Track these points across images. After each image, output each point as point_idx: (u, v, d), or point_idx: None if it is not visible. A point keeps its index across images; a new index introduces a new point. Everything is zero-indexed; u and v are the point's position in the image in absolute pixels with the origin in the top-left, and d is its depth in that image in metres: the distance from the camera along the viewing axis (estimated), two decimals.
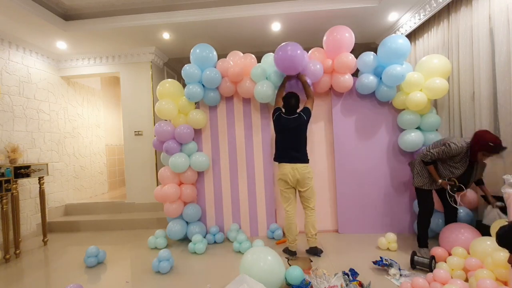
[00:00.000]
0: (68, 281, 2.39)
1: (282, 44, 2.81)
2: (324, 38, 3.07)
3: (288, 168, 2.60)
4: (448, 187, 2.40)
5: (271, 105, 3.34)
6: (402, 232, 3.16)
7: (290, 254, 2.70)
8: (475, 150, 2.22)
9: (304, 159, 2.65)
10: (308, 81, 2.90)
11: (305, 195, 2.66)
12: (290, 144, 2.64)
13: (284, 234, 3.27)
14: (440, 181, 2.43)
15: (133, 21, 3.52)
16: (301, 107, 2.75)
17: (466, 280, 1.99)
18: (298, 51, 2.72)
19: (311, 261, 2.50)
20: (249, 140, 3.37)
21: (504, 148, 2.13)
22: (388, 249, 2.75)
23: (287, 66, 2.80)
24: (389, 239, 2.75)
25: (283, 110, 2.73)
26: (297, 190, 2.72)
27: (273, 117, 2.76)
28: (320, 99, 3.35)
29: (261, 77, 3.05)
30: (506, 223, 1.77)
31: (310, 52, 3.14)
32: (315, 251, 2.66)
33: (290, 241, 2.70)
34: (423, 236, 2.63)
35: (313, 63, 2.96)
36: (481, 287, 1.70)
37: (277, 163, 2.74)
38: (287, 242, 2.74)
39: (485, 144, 2.14)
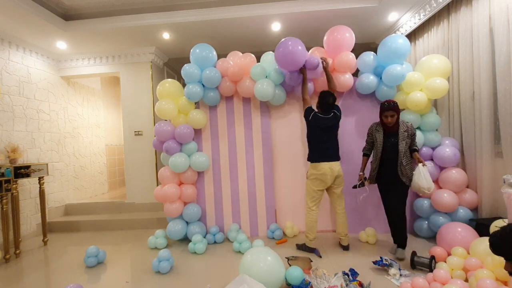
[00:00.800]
0: (68, 281, 2.39)
1: (282, 40, 2.80)
2: (325, 37, 3.08)
3: (326, 168, 2.66)
4: (359, 182, 2.75)
5: (271, 104, 3.34)
6: None
7: (309, 251, 2.76)
8: (380, 117, 2.55)
9: (337, 157, 2.74)
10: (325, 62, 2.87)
11: (337, 192, 2.77)
12: (327, 143, 2.71)
13: (284, 234, 3.27)
14: (361, 173, 2.74)
15: (133, 21, 3.53)
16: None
17: (466, 280, 1.99)
18: (299, 47, 2.72)
19: (311, 261, 2.50)
20: (249, 140, 3.37)
21: (394, 102, 2.44)
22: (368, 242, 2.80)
23: (288, 61, 2.79)
24: (368, 233, 2.95)
25: (316, 109, 2.75)
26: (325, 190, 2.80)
27: (308, 117, 2.75)
28: None
29: (261, 75, 3.05)
30: (504, 223, 1.77)
31: (310, 51, 3.14)
32: (347, 249, 2.78)
33: (311, 238, 2.77)
34: (391, 231, 2.66)
35: None
36: (481, 287, 1.71)
37: (309, 162, 2.78)
38: (308, 240, 2.78)
39: (380, 106, 2.52)
